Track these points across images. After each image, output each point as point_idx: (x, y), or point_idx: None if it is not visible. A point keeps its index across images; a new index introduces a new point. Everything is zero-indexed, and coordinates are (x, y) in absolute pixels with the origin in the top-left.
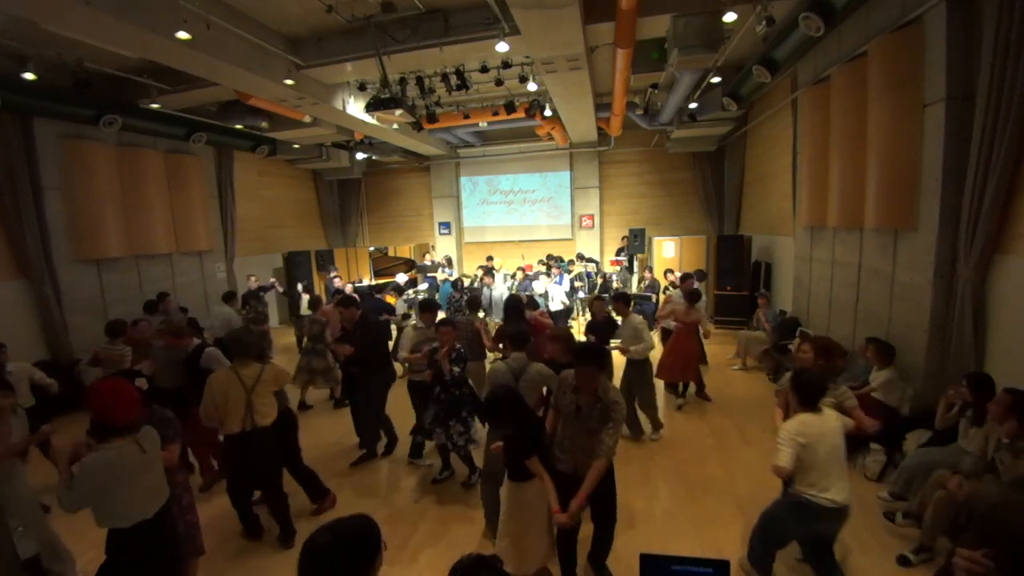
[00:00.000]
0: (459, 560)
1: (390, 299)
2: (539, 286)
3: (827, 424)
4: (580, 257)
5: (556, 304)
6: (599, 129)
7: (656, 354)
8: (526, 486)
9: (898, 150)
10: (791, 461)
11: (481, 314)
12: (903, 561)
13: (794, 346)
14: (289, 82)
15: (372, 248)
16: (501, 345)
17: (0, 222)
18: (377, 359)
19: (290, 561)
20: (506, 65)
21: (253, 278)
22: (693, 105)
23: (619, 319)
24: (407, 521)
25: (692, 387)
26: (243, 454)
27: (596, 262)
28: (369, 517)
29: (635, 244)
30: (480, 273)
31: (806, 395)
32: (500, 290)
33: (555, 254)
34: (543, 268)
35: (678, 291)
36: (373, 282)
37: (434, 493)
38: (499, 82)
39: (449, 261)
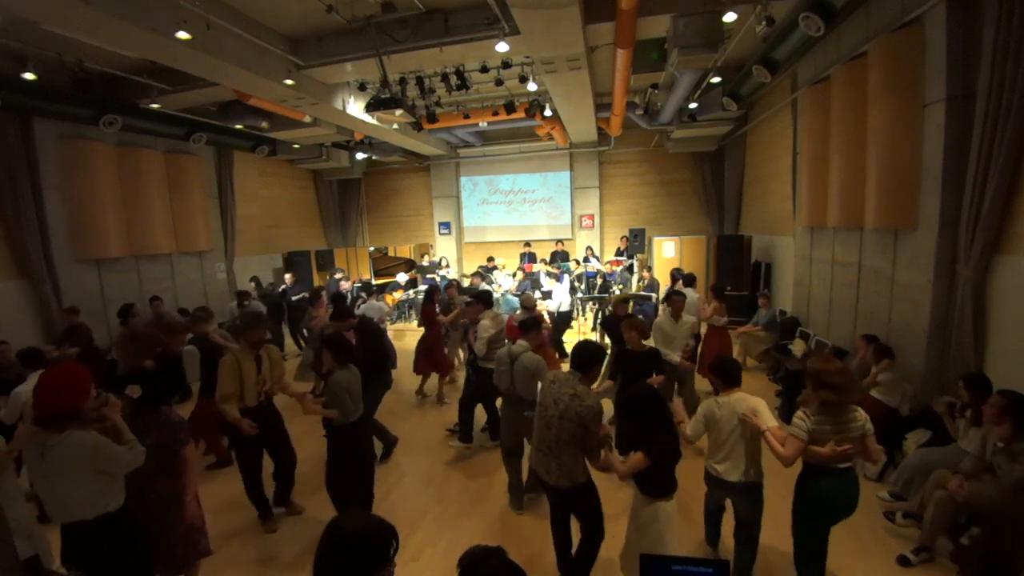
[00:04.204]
0: (467, 551)
1: (389, 299)
2: (546, 284)
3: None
4: (591, 253)
5: (565, 307)
6: (599, 129)
7: None
8: (646, 502)
9: (898, 150)
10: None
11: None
12: (903, 561)
13: (795, 346)
14: (289, 82)
15: (372, 248)
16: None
17: (0, 222)
18: (376, 362)
19: (289, 559)
20: (506, 65)
21: (289, 276)
22: (693, 105)
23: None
24: (407, 521)
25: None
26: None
27: (597, 260)
28: (391, 525)
29: (635, 244)
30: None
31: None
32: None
33: (560, 249)
34: (546, 268)
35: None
36: (375, 282)
37: (434, 493)
38: (499, 82)
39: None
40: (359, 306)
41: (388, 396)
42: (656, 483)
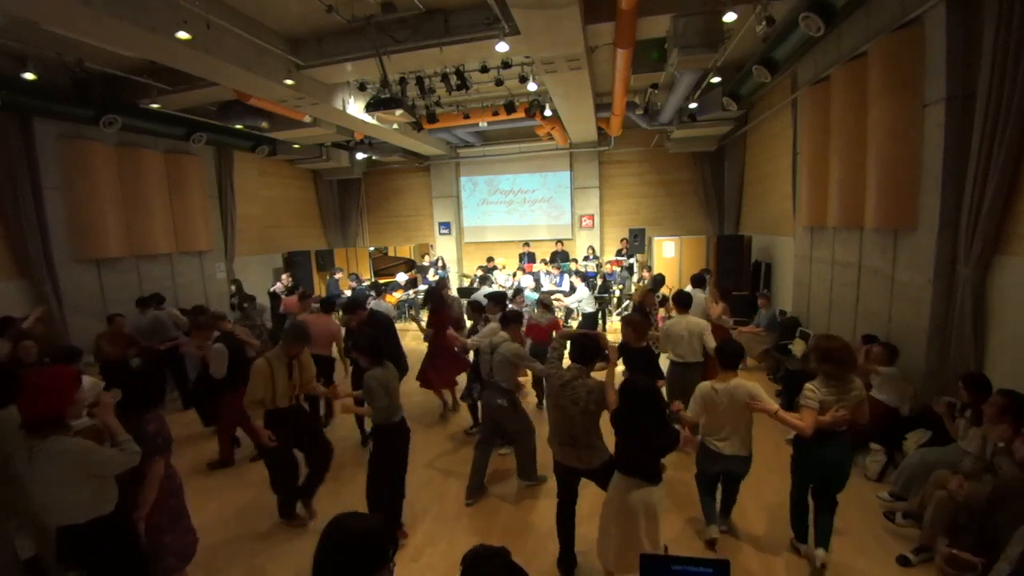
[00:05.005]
0: (471, 549)
1: (390, 299)
2: (546, 284)
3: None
4: (592, 253)
5: (589, 308)
6: (599, 129)
7: None
8: (632, 484)
9: (898, 150)
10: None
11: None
12: (903, 561)
13: (795, 346)
14: (289, 82)
15: (372, 248)
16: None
17: (0, 222)
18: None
19: (289, 559)
20: (506, 65)
21: (286, 276)
22: (693, 105)
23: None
24: (407, 520)
25: None
26: None
27: (597, 260)
28: (390, 526)
29: (635, 244)
30: (480, 273)
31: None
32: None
33: (561, 250)
34: (545, 268)
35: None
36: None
37: (434, 493)
38: (499, 82)
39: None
40: (368, 303)
41: None
42: (651, 469)
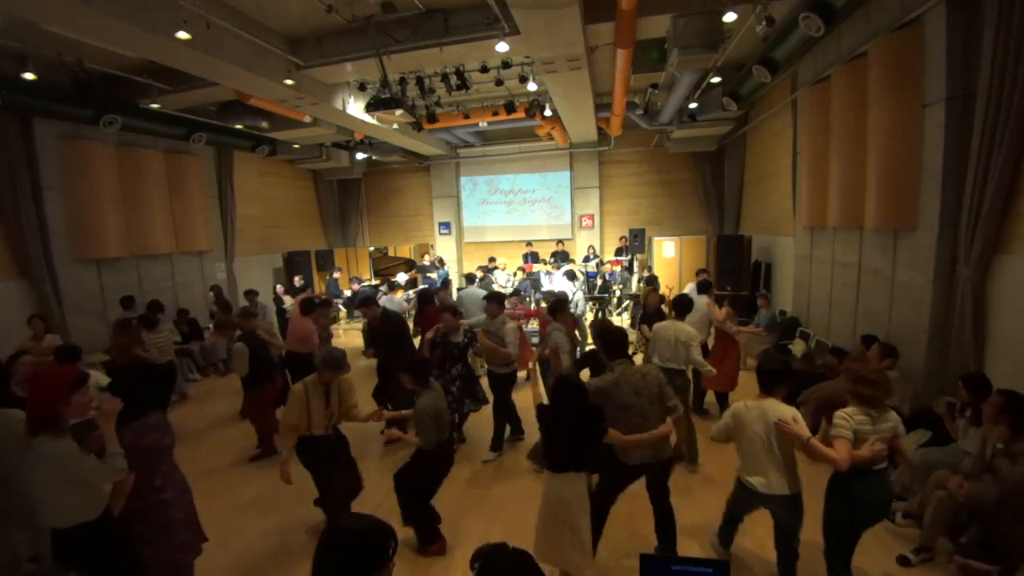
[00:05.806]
0: (476, 551)
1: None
2: (546, 284)
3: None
4: (592, 253)
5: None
6: (599, 129)
7: None
8: (563, 479)
9: (898, 150)
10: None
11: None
12: (903, 561)
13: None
14: (289, 82)
15: (372, 248)
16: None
17: (0, 222)
18: (404, 350)
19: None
20: (506, 65)
21: (298, 278)
22: (693, 105)
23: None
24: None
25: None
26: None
27: (598, 259)
28: (390, 526)
29: (635, 244)
30: (480, 274)
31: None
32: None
33: (560, 250)
34: (546, 268)
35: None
36: (373, 282)
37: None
38: (499, 82)
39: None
40: (379, 299)
41: None
42: (581, 462)
